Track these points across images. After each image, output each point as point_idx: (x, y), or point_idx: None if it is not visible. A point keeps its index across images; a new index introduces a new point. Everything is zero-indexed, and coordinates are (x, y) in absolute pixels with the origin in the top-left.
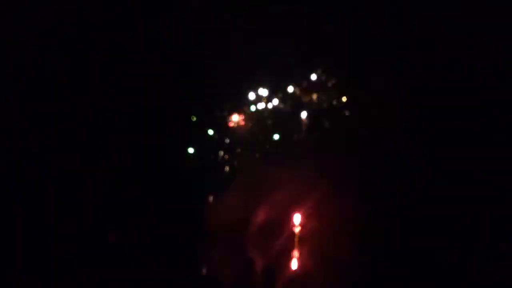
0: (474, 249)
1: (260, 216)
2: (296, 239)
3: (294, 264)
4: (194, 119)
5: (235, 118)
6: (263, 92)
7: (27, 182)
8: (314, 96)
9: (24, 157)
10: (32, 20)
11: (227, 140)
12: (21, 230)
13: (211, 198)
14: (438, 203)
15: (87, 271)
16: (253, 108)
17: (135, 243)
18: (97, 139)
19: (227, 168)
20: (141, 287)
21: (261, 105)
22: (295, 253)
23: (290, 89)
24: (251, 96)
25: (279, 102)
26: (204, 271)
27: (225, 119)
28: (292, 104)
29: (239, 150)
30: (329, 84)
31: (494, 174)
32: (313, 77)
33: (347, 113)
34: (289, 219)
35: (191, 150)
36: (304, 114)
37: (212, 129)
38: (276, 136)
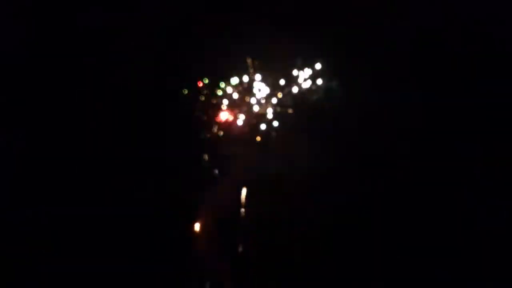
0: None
1: (253, 209)
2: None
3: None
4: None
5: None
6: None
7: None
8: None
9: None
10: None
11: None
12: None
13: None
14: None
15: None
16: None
17: (124, 239)
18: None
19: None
20: (132, 282)
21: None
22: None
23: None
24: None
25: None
26: (195, 264)
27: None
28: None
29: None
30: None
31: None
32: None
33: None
34: (282, 212)
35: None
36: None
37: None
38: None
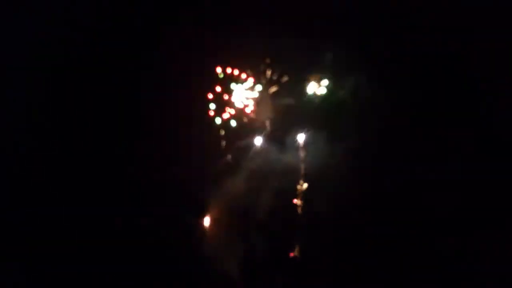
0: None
1: (262, 201)
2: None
3: (295, 250)
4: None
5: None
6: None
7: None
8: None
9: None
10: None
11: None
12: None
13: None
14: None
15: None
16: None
17: (139, 229)
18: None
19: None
20: (146, 272)
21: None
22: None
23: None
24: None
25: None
26: (206, 258)
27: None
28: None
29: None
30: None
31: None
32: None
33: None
34: (290, 204)
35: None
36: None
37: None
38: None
